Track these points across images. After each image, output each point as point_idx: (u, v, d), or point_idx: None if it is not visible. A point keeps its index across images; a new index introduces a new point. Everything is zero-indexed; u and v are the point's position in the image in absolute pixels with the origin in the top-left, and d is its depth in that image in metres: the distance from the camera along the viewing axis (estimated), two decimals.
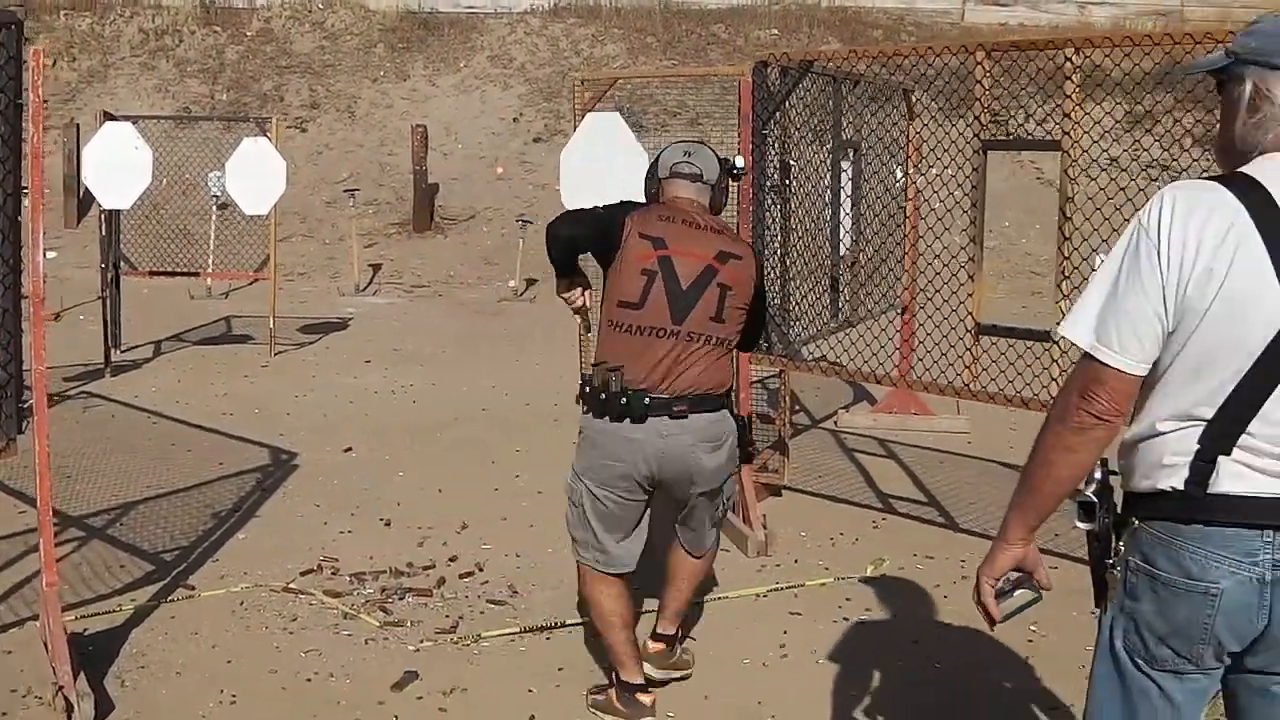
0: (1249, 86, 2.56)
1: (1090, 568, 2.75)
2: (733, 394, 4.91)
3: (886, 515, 7.39)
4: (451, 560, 6.57)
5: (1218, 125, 2.68)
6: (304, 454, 8.58)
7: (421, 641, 5.54)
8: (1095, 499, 2.66)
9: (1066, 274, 5.37)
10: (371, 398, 10.64)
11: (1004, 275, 15.13)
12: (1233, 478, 2.50)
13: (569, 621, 5.71)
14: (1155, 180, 5.41)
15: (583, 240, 4.80)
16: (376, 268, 18.03)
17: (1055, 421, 2.62)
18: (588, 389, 4.73)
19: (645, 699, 4.83)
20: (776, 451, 7.68)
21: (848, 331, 7.24)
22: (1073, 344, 2.63)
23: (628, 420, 4.55)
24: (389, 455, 8.73)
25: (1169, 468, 2.55)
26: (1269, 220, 2.44)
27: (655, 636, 5.19)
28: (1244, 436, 2.48)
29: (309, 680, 5.16)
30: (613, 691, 4.88)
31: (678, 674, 5.14)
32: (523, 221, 17.49)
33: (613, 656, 4.90)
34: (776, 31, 22.83)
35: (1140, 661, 2.64)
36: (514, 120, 21.06)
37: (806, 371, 6.73)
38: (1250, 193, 2.47)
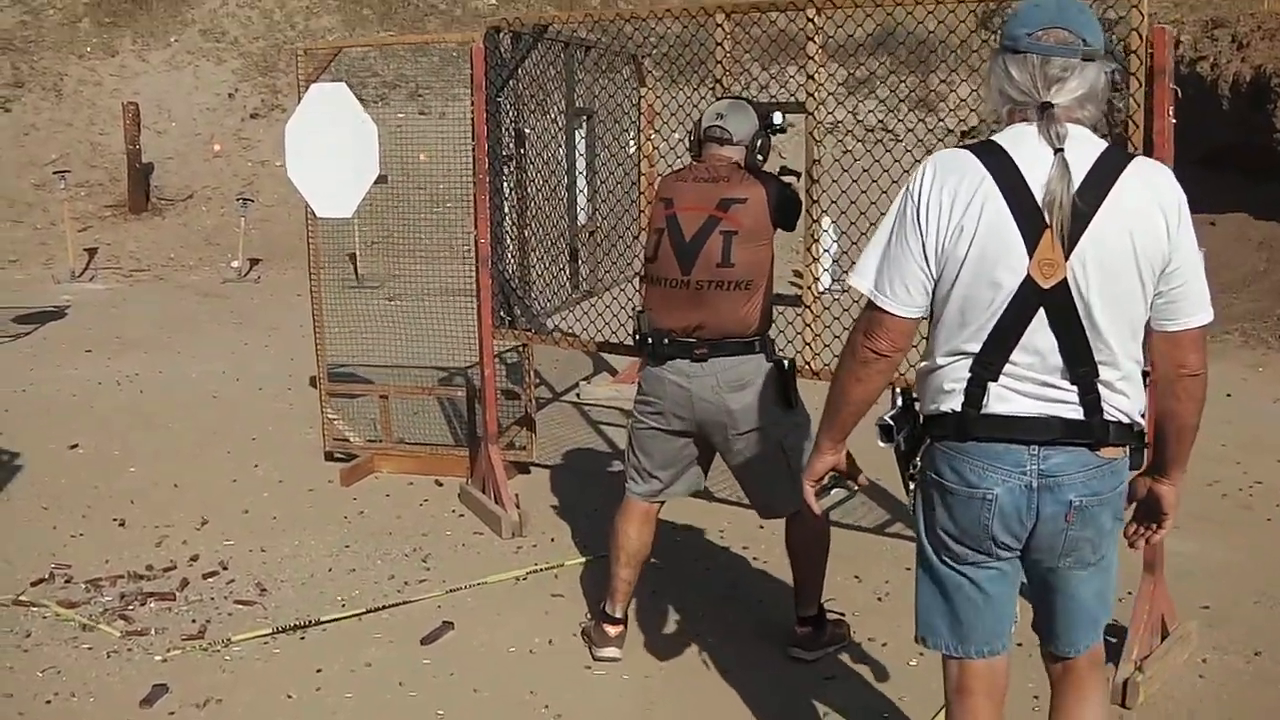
0: (998, 65, 2.98)
1: (901, 479, 3.24)
2: (768, 339, 4.86)
3: None
4: (193, 560, 6.24)
5: (986, 99, 3.10)
6: (26, 453, 8.05)
7: (168, 650, 5.22)
8: (892, 422, 3.15)
9: (815, 236, 5.34)
10: (96, 389, 10.05)
11: None
12: (1000, 400, 2.95)
13: (323, 619, 5.47)
14: (879, 143, 5.43)
15: None
16: (92, 252, 17.21)
17: (847, 356, 3.10)
18: (632, 331, 5.08)
19: (610, 630, 5.10)
20: (523, 427, 7.53)
21: (590, 301, 7.14)
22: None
23: (655, 360, 4.83)
24: (119, 450, 8.26)
25: (949, 393, 3.01)
26: (1010, 181, 2.85)
27: (799, 620, 5.14)
28: (1008, 365, 2.93)
29: (49, 702, 4.81)
30: (595, 619, 5.23)
31: (833, 648, 5.16)
32: (243, 200, 17.01)
33: (606, 585, 5.17)
34: (495, 1, 22.61)
35: (947, 559, 3.12)
36: (229, 96, 20.35)
37: (552, 344, 6.60)
38: (994, 157, 2.89)
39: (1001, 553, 3.07)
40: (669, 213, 4.79)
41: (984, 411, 2.96)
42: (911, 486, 3.19)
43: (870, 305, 3.01)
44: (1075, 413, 2.93)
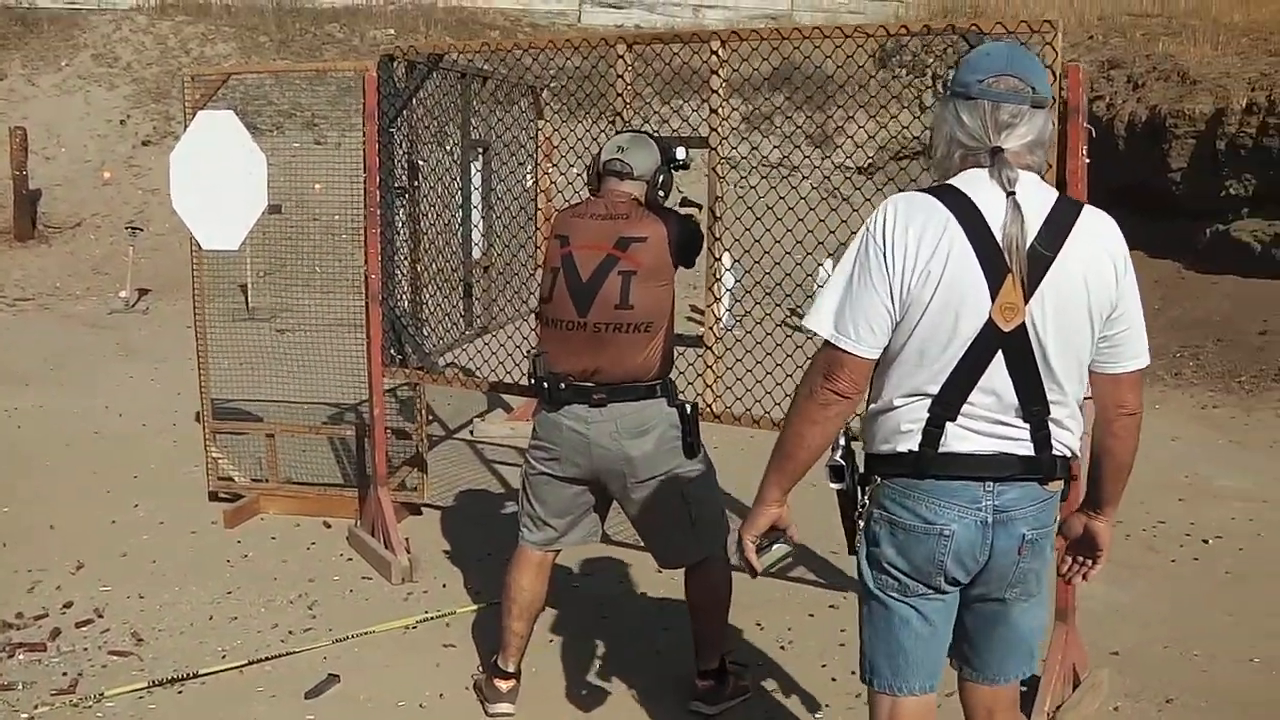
0: (949, 111, 3.03)
1: (841, 520, 3.26)
2: (669, 382, 4.69)
3: None
4: (67, 607, 5.94)
5: (934, 144, 3.13)
6: None
7: (36, 707, 4.92)
8: (844, 463, 3.17)
9: (718, 275, 5.18)
10: None
11: None
12: (958, 439, 2.99)
13: (202, 671, 5.21)
14: (784, 179, 5.29)
15: None
16: None
17: (804, 400, 3.04)
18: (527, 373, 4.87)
19: (502, 685, 4.90)
20: (414, 467, 7.29)
21: (484, 339, 6.93)
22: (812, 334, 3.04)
23: (551, 404, 4.63)
24: None
25: (905, 433, 3.03)
26: (973, 224, 2.89)
27: (700, 674, 4.95)
28: (965, 405, 2.96)
29: None
30: (486, 674, 5.02)
31: (735, 701, 4.98)
32: (133, 229, 16.58)
33: (498, 637, 4.96)
34: (393, 31, 22.38)
35: (894, 595, 3.14)
36: (121, 122, 19.92)
37: (445, 384, 6.37)
38: (958, 202, 2.92)
39: (948, 587, 3.12)
40: (564, 251, 4.60)
41: (941, 450, 3.00)
42: (862, 525, 3.20)
43: (828, 346, 3.00)
44: (1027, 449, 3.02)
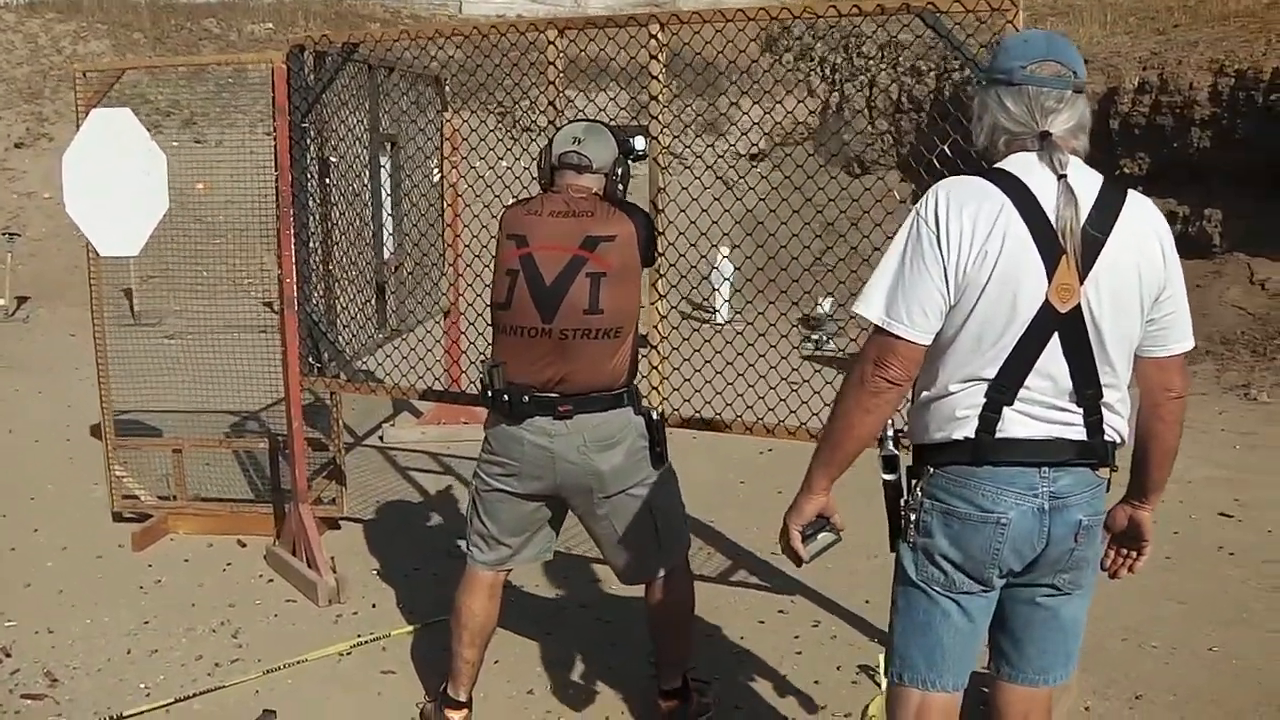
0: (976, 101, 3.09)
1: (887, 513, 3.18)
2: (635, 390, 4.40)
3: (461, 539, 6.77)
4: None
5: (975, 132, 3.13)
6: None
7: None
8: (897, 452, 3.15)
9: (662, 271, 4.90)
10: None
11: None
12: (1015, 424, 2.95)
13: (126, 713, 4.83)
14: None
15: None
16: None
17: (853, 387, 2.99)
18: (480, 385, 4.44)
19: (454, 716, 4.63)
20: (331, 480, 6.95)
21: (396, 342, 6.63)
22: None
23: (511, 418, 4.30)
24: None
25: (960, 420, 2.98)
26: (1028, 206, 2.86)
27: (662, 694, 4.70)
28: (1022, 390, 2.93)
29: None
30: (436, 702, 4.72)
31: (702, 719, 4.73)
32: (9, 234, 16.07)
33: (448, 665, 4.65)
34: (271, 25, 21.91)
35: (938, 589, 3.09)
36: None
37: (367, 394, 6.03)
38: (1011, 185, 2.89)
39: (997, 581, 3.09)
40: (522, 252, 4.25)
41: (998, 436, 2.97)
42: (913, 517, 3.12)
43: (880, 332, 2.95)
44: (1080, 434, 3.00)
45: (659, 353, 5.07)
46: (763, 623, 5.65)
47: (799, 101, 18.12)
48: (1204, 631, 5.52)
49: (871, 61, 18.52)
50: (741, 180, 5.09)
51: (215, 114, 17.19)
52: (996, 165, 2.99)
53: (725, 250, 13.47)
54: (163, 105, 18.05)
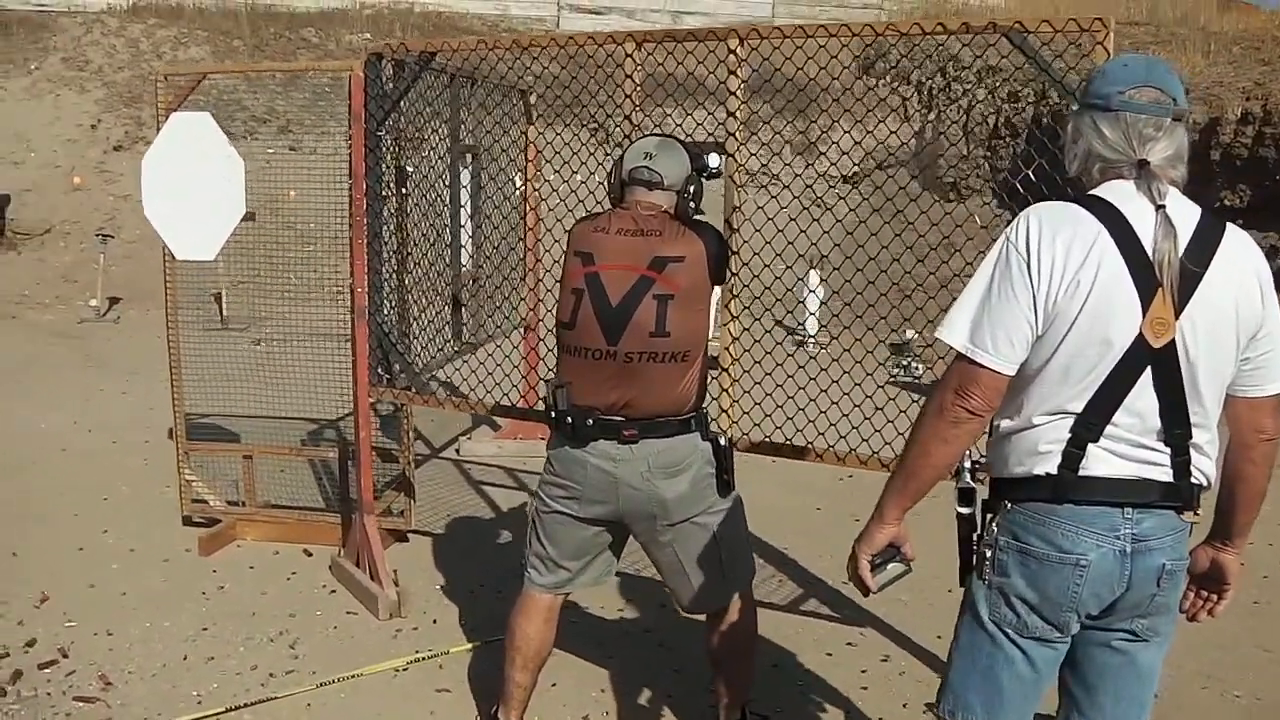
0: (1070, 126, 2.97)
1: (958, 547, 3.09)
2: (703, 415, 4.29)
3: None
4: (29, 645, 5.50)
5: (1069, 157, 3.01)
6: None
7: None
8: (974, 485, 3.08)
9: (735, 291, 4.77)
10: None
11: None
12: (1099, 462, 2.84)
13: None
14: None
15: None
16: None
17: (932, 416, 2.88)
18: (543, 405, 4.35)
19: None
20: (400, 492, 6.87)
21: (471, 355, 6.54)
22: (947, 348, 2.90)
23: (574, 440, 4.17)
24: None
25: (1043, 455, 2.87)
26: (1124, 236, 2.75)
27: None
28: (1109, 426, 2.82)
29: None
30: None
31: None
32: (103, 236, 16.21)
33: (499, 687, 4.57)
34: (369, 35, 22.01)
35: (1010, 631, 2.97)
36: (92, 127, 19.48)
37: (437, 406, 5.95)
38: (1107, 213, 2.78)
39: (1074, 626, 2.96)
40: (589, 270, 4.12)
41: (1081, 474, 2.85)
42: (988, 554, 3.00)
43: (962, 360, 2.85)
44: (1166, 475, 2.88)
45: (730, 375, 4.93)
46: (830, 655, 5.50)
47: (891, 130, 17.94)
48: None
49: (969, 87, 18.29)
50: (818, 201, 4.93)
51: (310, 122, 17.29)
52: (1091, 193, 2.89)
53: (817, 274, 13.33)
54: (259, 112, 18.20)
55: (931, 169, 17.53)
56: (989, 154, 17.88)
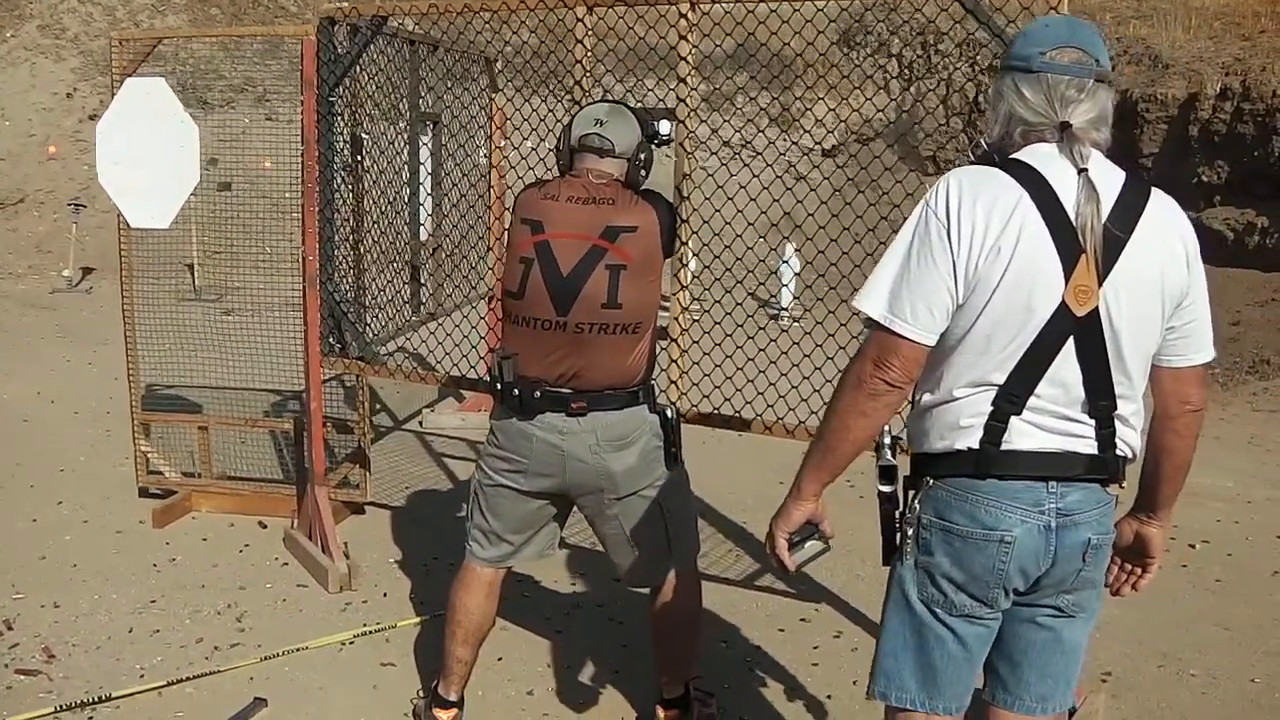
0: (1007, 85, 2.84)
1: (881, 526, 3.00)
2: (650, 387, 4.21)
3: None
4: None
5: (990, 121, 2.92)
6: None
7: None
8: (894, 463, 2.96)
9: (684, 260, 4.69)
10: None
11: None
12: (1022, 435, 2.77)
13: (115, 694, 4.71)
14: (734, 158, 4.86)
15: None
16: None
17: (850, 389, 2.79)
18: (489, 377, 4.25)
19: (443, 715, 4.45)
20: (356, 464, 6.80)
21: (432, 325, 6.47)
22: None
23: (521, 413, 4.07)
24: None
25: (965, 429, 2.80)
26: (1046, 200, 2.69)
27: (663, 703, 4.52)
28: (1032, 398, 2.75)
29: None
30: (426, 700, 4.55)
31: None
32: (76, 206, 16.12)
33: (440, 662, 4.46)
34: (347, 4, 21.84)
35: (938, 610, 2.90)
36: (67, 96, 19.33)
37: (388, 376, 5.87)
38: (1028, 177, 2.72)
39: (1002, 601, 2.89)
40: (538, 239, 4.02)
41: (1004, 448, 2.78)
42: (909, 533, 2.93)
43: (880, 330, 2.76)
44: (1091, 448, 2.82)
45: (679, 345, 4.86)
46: (782, 630, 5.45)
47: (867, 98, 17.87)
48: (1248, 662, 5.27)
49: (949, 59, 18.22)
50: (791, 169, 4.85)
51: (289, 91, 17.15)
52: (1012, 156, 2.80)
53: (791, 245, 13.26)
54: (237, 81, 18.08)
55: (909, 140, 17.48)
56: (967, 126, 17.84)
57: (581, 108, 4.35)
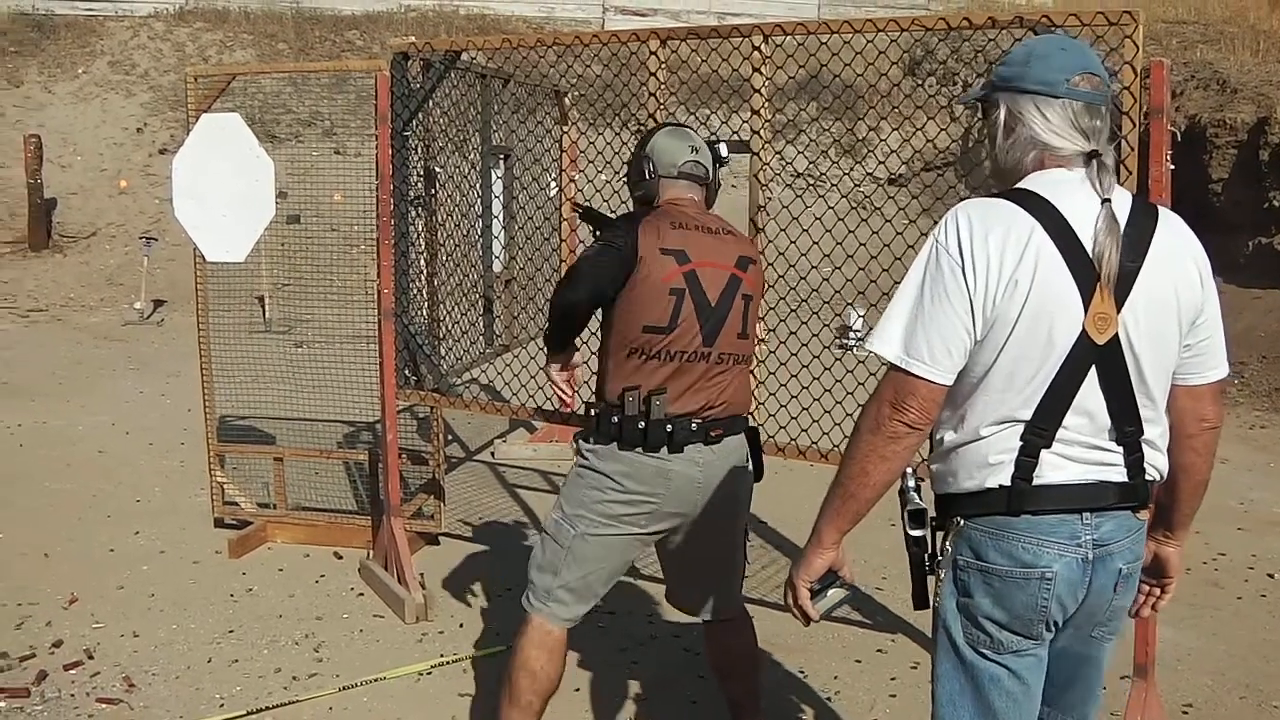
0: (1003, 111, 2.80)
1: (911, 572, 2.88)
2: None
3: None
4: (56, 646, 5.51)
5: (986, 151, 2.90)
6: None
7: None
8: (924, 506, 2.84)
9: (769, 284, 4.70)
10: None
11: None
12: (1053, 468, 2.70)
13: None
14: (806, 191, 4.86)
15: (610, 285, 3.92)
16: None
17: (868, 432, 2.71)
18: (615, 418, 3.93)
19: None
20: (431, 494, 6.83)
21: (504, 358, 6.49)
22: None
23: (665, 449, 3.90)
24: None
25: (994, 466, 2.72)
26: (1060, 231, 2.63)
27: None
28: (1060, 430, 2.69)
29: None
30: None
31: None
32: (147, 239, 16.27)
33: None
34: (413, 38, 21.95)
35: (986, 651, 2.81)
36: (138, 130, 19.62)
37: (463, 408, 5.89)
38: (1039, 207, 2.66)
39: (1047, 635, 2.82)
40: (685, 269, 3.87)
41: (1036, 483, 2.71)
42: (942, 574, 2.85)
43: (897, 372, 2.69)
44: (1121, 475, 2.77)
45: (755, 376, 4.86)
46: (859, 661, 5.43)
47: (940, 128, 17.82)
48: None
49: None
50: (866, 202, 4.86)
51: (355, 125, 17.31)
52: (1019, 186, 2.76)
53: (857, 311, 13.22)
54: (304, 115, 18.26)
55: (979, 170, 17.39)
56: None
57: (650, 136, 4.22)
